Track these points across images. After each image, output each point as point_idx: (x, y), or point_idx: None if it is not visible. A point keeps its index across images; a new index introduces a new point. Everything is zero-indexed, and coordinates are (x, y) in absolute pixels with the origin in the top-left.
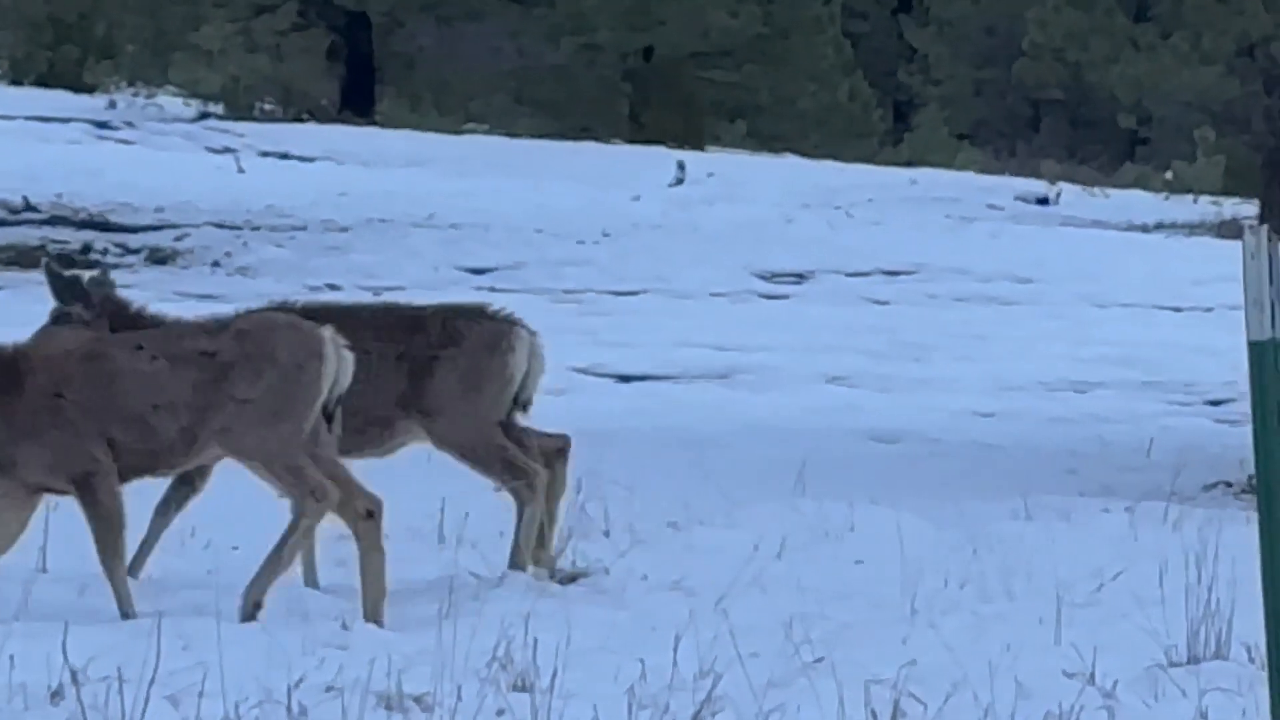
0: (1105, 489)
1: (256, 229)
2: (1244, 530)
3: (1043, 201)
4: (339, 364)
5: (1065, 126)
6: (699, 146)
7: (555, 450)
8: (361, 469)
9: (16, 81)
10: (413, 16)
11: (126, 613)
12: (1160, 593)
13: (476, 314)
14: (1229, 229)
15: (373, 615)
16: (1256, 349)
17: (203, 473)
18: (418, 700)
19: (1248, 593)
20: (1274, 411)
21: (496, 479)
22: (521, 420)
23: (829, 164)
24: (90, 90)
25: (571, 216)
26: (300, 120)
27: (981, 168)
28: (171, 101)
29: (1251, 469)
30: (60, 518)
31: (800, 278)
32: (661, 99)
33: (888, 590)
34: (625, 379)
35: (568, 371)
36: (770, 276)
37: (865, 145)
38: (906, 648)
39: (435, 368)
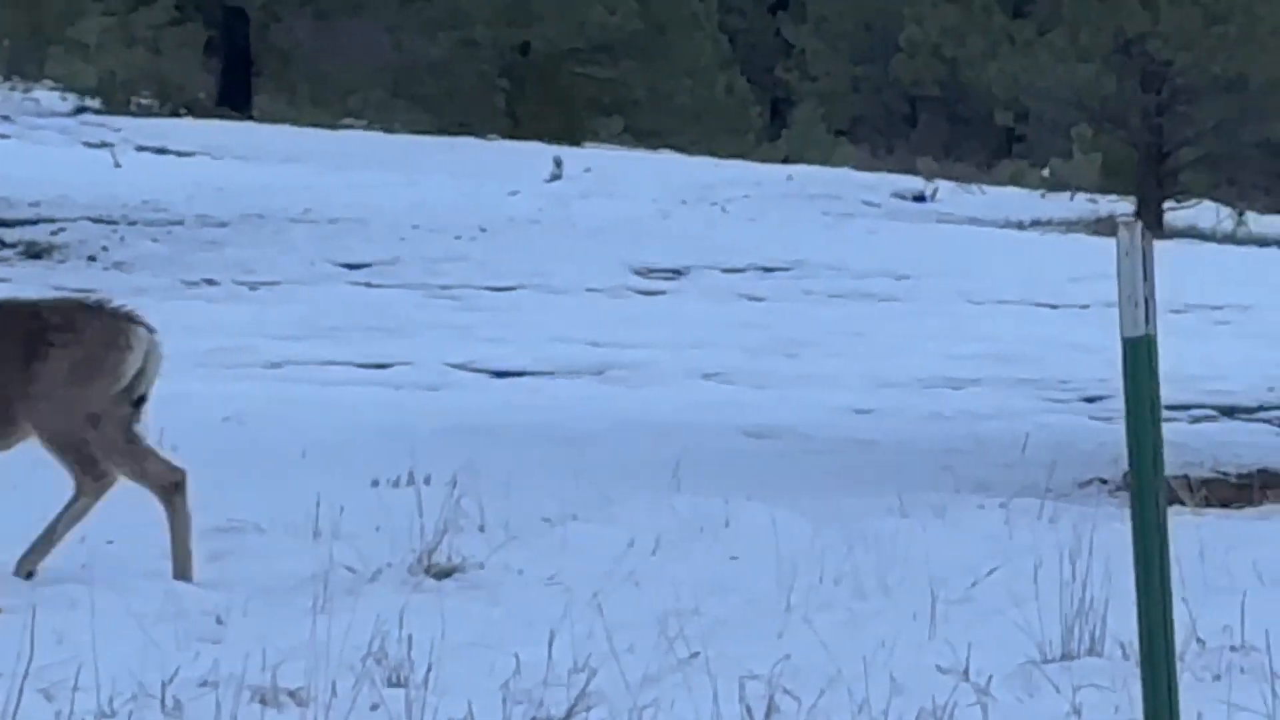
0: (981, 486)
1: (133, 224)
2: (1118, 527)
3: (919, 198)
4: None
5: (942, 123)
6: (576, 142)
7: (171, 484)
8: (235, 461)
9: None
10: (290, 11)
11: None
12: (1035, 589)
13: (97, 309)
14: (1105, 226)
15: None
16: (1131, 345)
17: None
18: (292, 695)
19: (1122, 589)
20: (1148, 408)
21: (71, 468)
22: (141, 430)
23: (706, 160)
24: None
25: (448, 212)
26: (177, 115)
27: (858, 164)
28: (48, 95)
29: (1126, 466)
30: None
31: (676, 274)
32: (539, 95)
33: (763, 586)
34: (501, 375)
35: (443, 367)
36: (646, 272)
37: (742, 141)
38: (781, 643)
39: (50, 357)
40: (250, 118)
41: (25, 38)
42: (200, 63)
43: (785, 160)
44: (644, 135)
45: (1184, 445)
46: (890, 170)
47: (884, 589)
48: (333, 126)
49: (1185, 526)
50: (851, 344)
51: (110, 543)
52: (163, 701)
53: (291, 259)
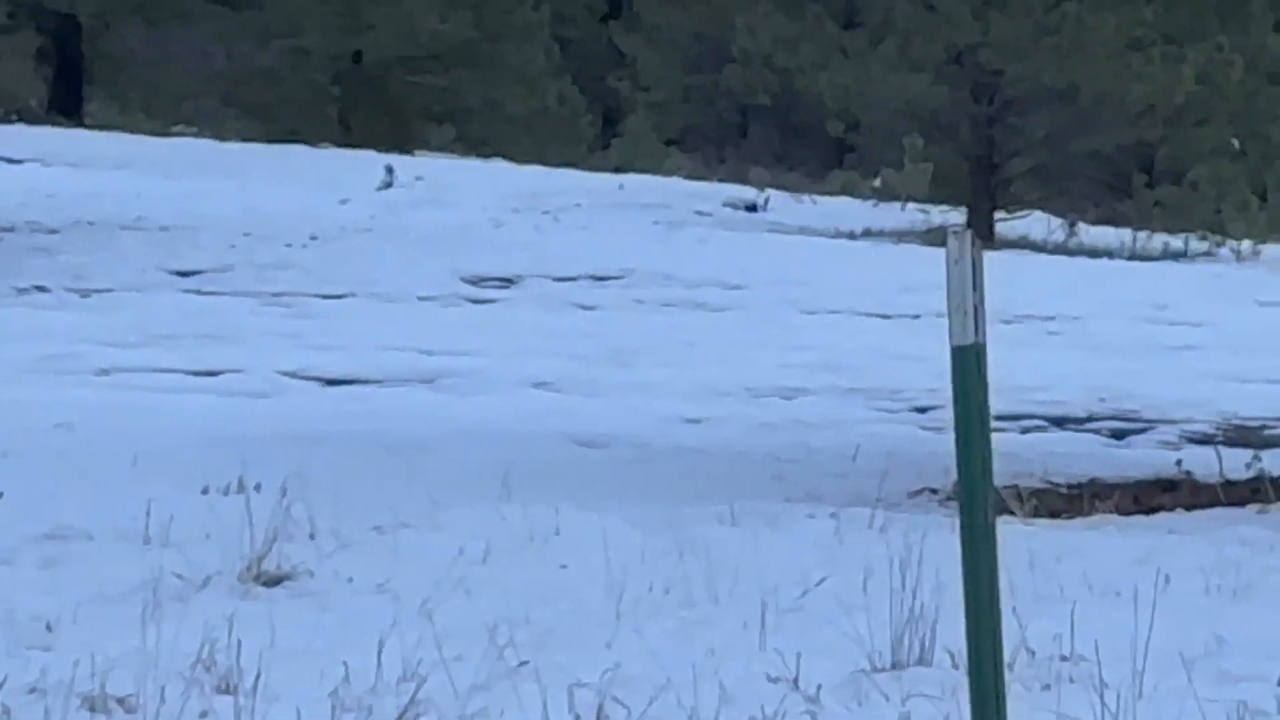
0: (811, 495)
1: None
2: (948, 536)
3: (751, 208)
4: None
5: (774, 133)
6: (408, 151)
7: None
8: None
9: None
10: (122, 19)
11: None
12: (865, 599)
13: None
14: (936, 236)
15: None
16: (960, 354)
17: None
18: (121, 702)
19: (951, 599)
20: (977, 417)
21: None
22: None
23: (537, 169)
24: None
25: (279, 219)
26: (8, 121)
27: (690, 174)
28: None
29: (956, 475)
30: None
31: (508, 282)
32: (370, 103)
33: (592, 594)
34: (332, 382)
35: (274, 375)
36: (478, 281)
37: (574, 150)
38: (611, 652)
39: None
40: (82, 125)
41: None
42: (32, 70)
43: (617, 169)
44: (476, 144)
45: (1014, 455)
46: (722, 180)
47: (714, 598)
48: (164, 134)
49: (1015, 536)
50: (683, 353)
51: None
52: None
53: (123, 266)
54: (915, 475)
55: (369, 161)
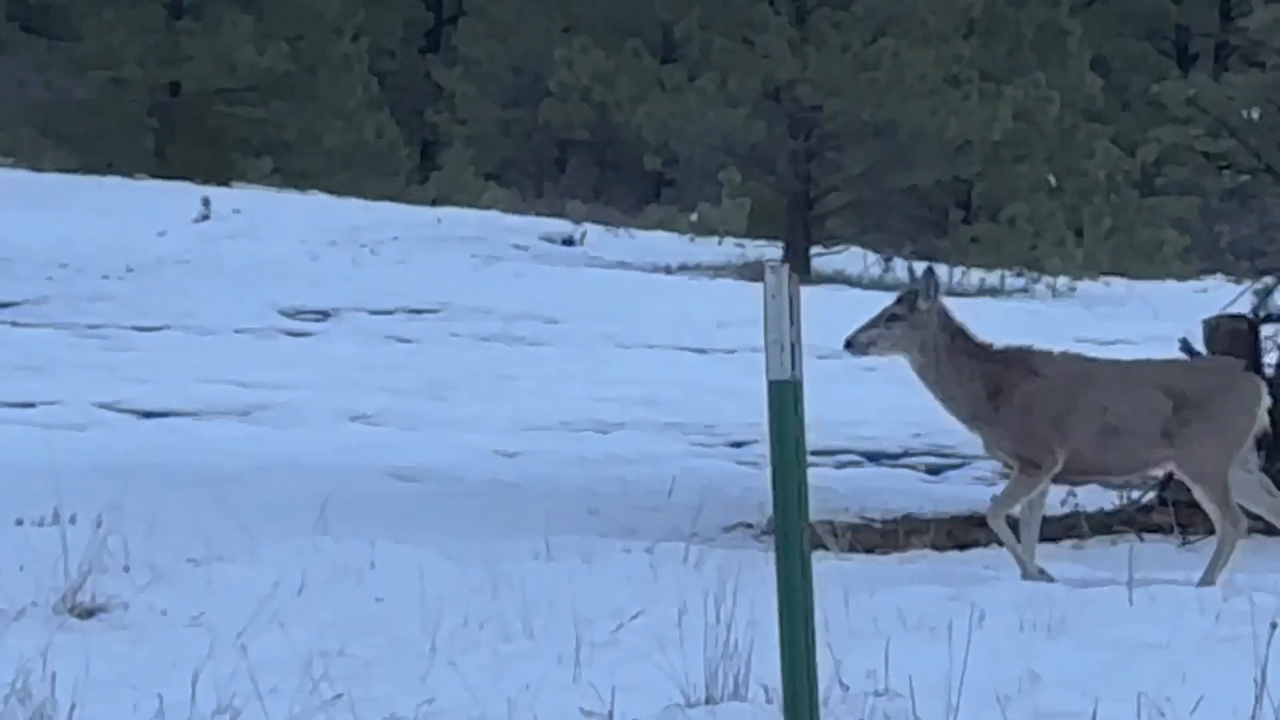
0: (626, 529)
1: None
2: (763, 571)
3: (568, 242)
4: None
5: (592, 167)
6: (225, 183)
7: None
8: None
9: None
10: None
11: None
12: (679, 633)
13: None
14: (753, 270)
15: None
16: (776, 388)
17: None
18: None
19: (766, 633)
20: (793, 451)
21: None
22: None
23: (355, 201)
24: None
25: (96, 251)
26: None
27: (507, 207)
28: None
29: (771, 510)
30: None
31: (324, 315)
32: (188, 134)
33: (408, 628)
34: (147, 415)
35: (90, 407)
36: (294, 313)
37: (391, 183)
38: (426, 685)
39: None
40: None
41: None
42: None
43: (434, 202)
44: (294, 176)
45: (829, 490)
46: (539, 213)
47: (529, 632)
48: None
49: (830, 571)
50: (498, 386)
51: None
52: None
53: None
54: (730, 510)
55: (186, 193)
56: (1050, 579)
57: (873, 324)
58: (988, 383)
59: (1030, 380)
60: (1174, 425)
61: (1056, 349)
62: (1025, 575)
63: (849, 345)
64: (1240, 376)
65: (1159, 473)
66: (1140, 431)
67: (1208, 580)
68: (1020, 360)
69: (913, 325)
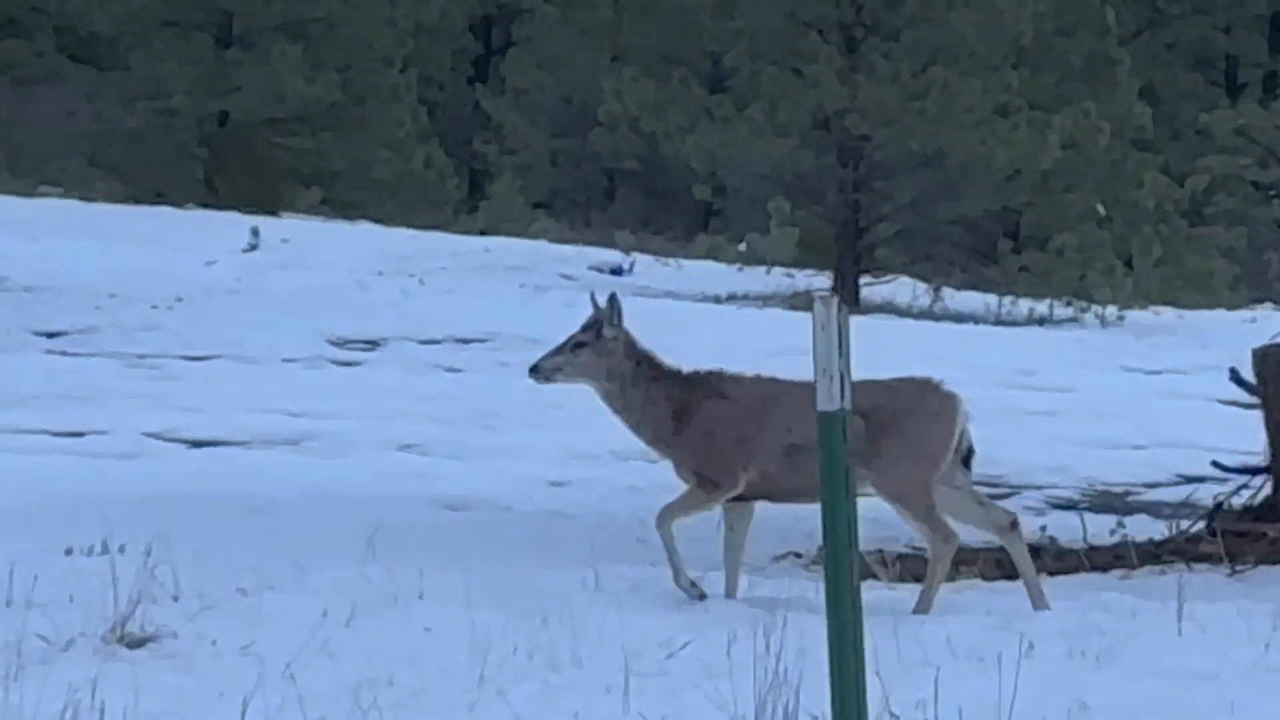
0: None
1: None
2: (812, 600)
3: (616, 271)
4: None
5: (640, 197)
6: (273, 212)
7: None
8: None
9: None
10: None
11: None
12: (728, 662)
13: None
14: (801, 300)
15: None
16: (826, 419)
17: None
18: None
19: (815, 662)
20: (842, 481)
21: None
22: None
23: (403, 231)
24: None
25: (145, 281)
26: None
27: (556, 237)
28: None
29: (820, 540)
30: None
31: (372, 344)
32: (237, 164)
33: (456, 658)
34: (196, 444)
35: (139, 436)
36: (342, 343)
37: (440, 213)
38: (474, 715)
39: None
40: None
41: None
42: None
43: (482, 232)
44: (342, 206)
45: (878, 520)
46: (588, 243)
47: (578, 661)
48: (29, 194)
49: (879, 600)
50: (546, 416)
51: None
52: None
53: None
54: (779, 539)
55: (235, 223)
56: (702, 594)
57: (558, 351)
58: (674, 406)
59: (715, 403)
60: (867, 445)
61: (749, 373)
62: (676, 583)
63: (534, 372)
64: (934, 394)
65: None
66: None
67: (922, 607)
68: (706, 383)
69: (598, 352)
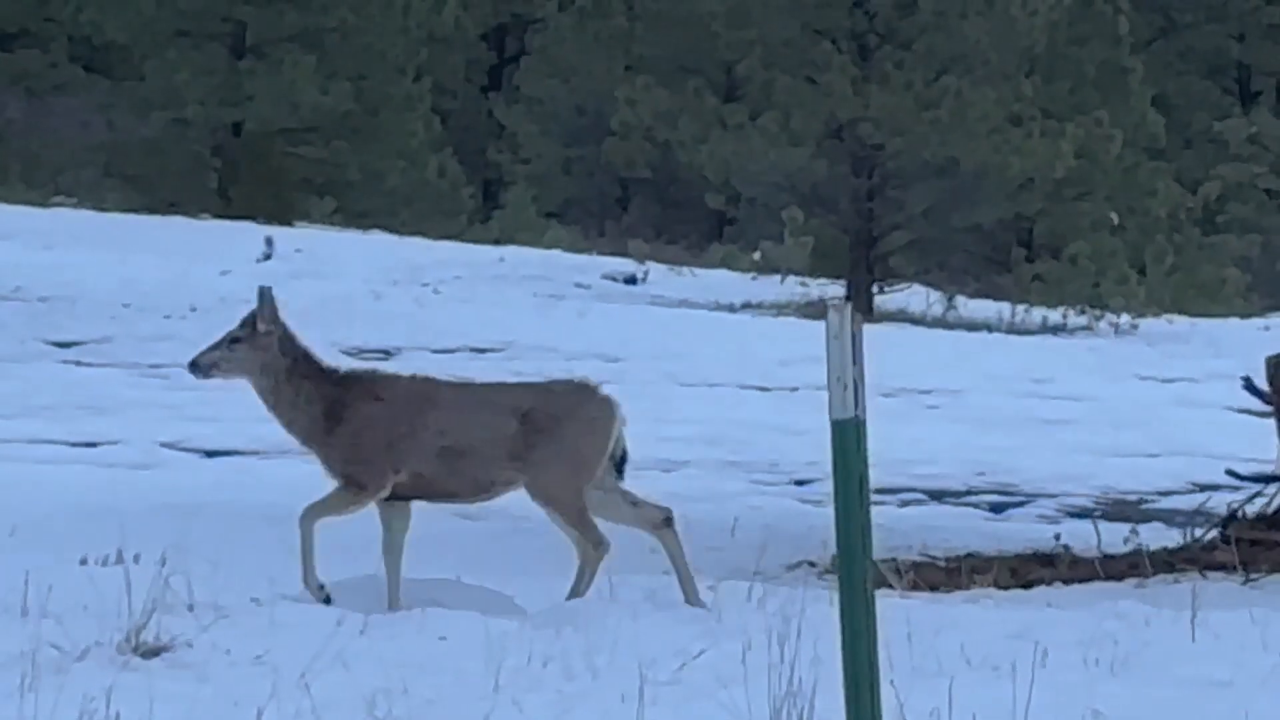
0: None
1: None
2: (826, 609)
3: (630, 280)
4: None
5: (654, 206)
6: (287, 222)
7: None
8: None
9: None
10: (1, 89)
11: None
12: (743, 671)
13: None
14: (815, 309)
15: None
16: (839, 427)
17: None
18: None
19: (830, 671)
20: (856, 490)
21: None
22: None
23: (417, 241)
24: None
25: (159, 291)
26: None
27: (570, 246)
28: None
29: (834, 549)
30: None
31: (387, 354)
32: (251, 174)
33: (471, 666)
34: (210, 454)
35: (153, 446)
36: (357, 353)
37: (454, 222)
38: None
39: None
40: None
41: None
42: None
43: (497, 241)
44: (356, 216)
45: (892, 529)
46: (601, 252)
47: (592, 671)
48: (43, 204)
49: (893, 609)
50: None
51: None
52: None
53: (2, 337)
54: (793, 548)
55: (249, 233)
56: (328, 599)
57: (216, 346)
58: (328, 406)
59: (369, 403)
60: (521, 448)
61: (407, 373)
62: (305, 584)
63: (193, 368)
64: (590, 398)
65: (508, 493)
66: (484, 454)
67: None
68: (361, 383)
69: (253, 348)
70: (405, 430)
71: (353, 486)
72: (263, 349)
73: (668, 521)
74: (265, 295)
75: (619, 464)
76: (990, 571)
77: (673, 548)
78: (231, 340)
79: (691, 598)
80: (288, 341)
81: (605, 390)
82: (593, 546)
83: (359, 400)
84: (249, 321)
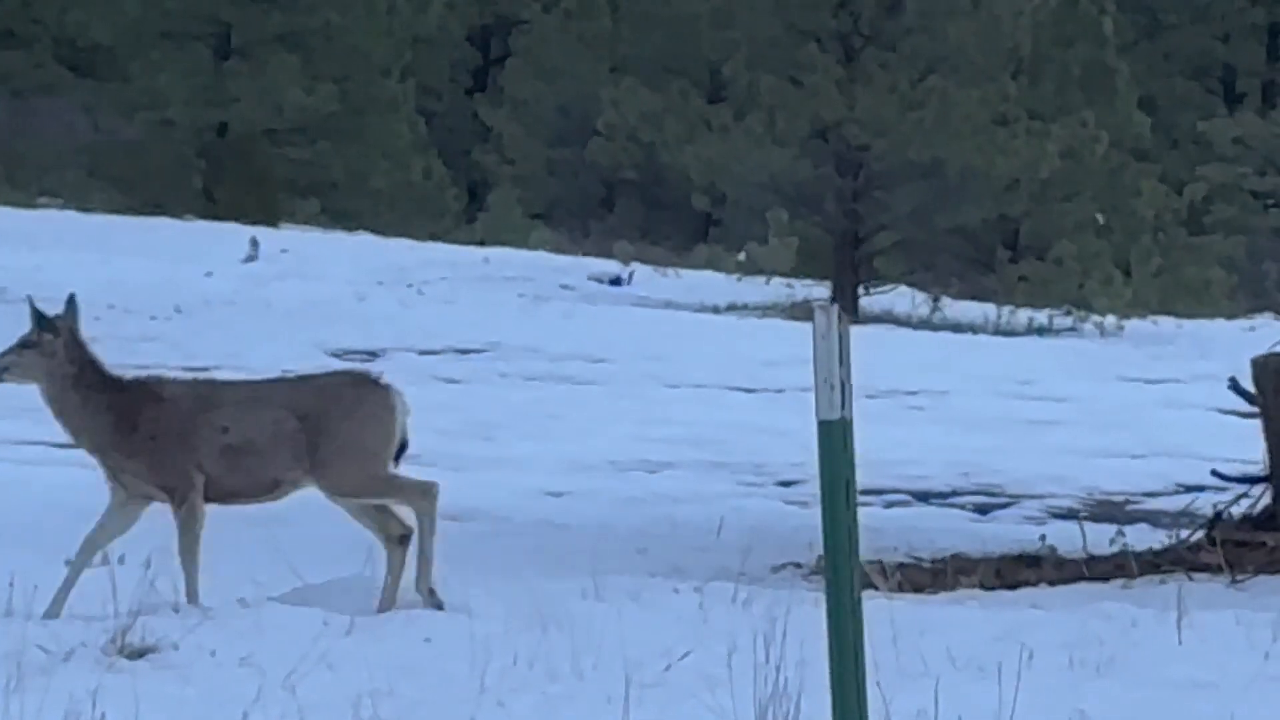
0: (675, 569)
1: None
2: (812, 611)
3: (615, 282)
4: None
5: (639, 207)
6: (272, 223)
7: None
8: None
9: None
10: None
11: None
12: (729, 673)
13: None
14: (801, 310)
15: None
16: (826, 428)
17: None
18: None
19: (816, 673)
20: (842, 491)
21: None
22: None
23: (402, 242)
24: None
25: (144, 292)
26: None
27: (555, 247)
28: None
29: (820, 551)
30: None
31: (372, 355)
32: (236, 175)
33: (457, 668)
34: None
35: None
36: (342, 354)
37: (439, 223)
38: None
39: None
40: None
41: None
42: None
43: (481, 243)
44: (341, 216)
45: (879, 530)
46: (587, 253)
47: (578, 672)
48: (28, 205)
49: (879, 611)
50: (546, 426)
51: None
52: None
53: None
54: (779, 550)
55: (234, 234)
56: (55, 614)
57: (9, 350)
58: (117, 415)
59: (154, 408)
60: (303, 445)
61: (189, 376)
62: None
63: None
64: (369, 390)
65: (294, 492)
66: (266, 452)
67: (385, 605)
68: (145, 389)
69: (42, 353)
70: (189, 430)
71: (175, 496)
72: (49, 355)
73: (403, 540)
74: (71, 303)
75: (396, 454)
76: (976, 573)
77: (396, 568)
78: (21, 344)
79: (384, 606)
80: (75, 349)
81: (385, 380)
82: (420, 496)
83: (144, 404)
84: (42, 326)
